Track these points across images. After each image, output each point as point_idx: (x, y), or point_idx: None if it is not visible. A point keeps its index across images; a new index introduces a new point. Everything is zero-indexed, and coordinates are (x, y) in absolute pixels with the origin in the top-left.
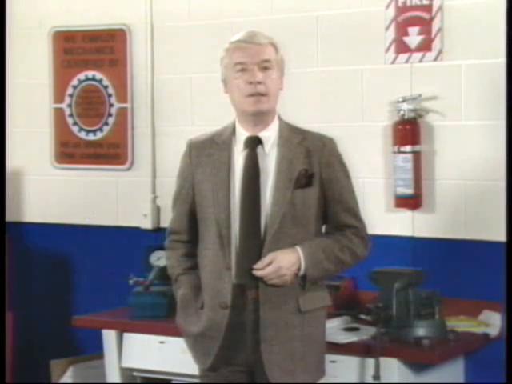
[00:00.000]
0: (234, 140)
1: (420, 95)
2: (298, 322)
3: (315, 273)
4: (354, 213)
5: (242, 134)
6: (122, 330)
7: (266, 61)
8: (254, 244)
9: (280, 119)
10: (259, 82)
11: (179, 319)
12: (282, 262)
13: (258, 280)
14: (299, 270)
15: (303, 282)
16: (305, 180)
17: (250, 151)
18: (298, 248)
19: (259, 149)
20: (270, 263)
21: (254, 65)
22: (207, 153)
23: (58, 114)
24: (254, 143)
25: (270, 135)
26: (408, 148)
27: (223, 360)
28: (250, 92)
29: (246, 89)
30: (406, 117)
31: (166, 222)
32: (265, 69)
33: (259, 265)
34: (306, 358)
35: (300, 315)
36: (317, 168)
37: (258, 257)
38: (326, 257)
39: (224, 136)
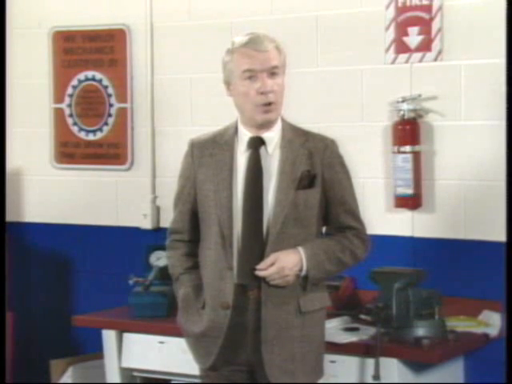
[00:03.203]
0: (236, 140)
1: (420, 95)
2: (299, 322)
3: (317, 274)
4: (355, 214)
5: (245, 135)
6: (121, 329)
7: (275, 67)
8: (256, 244)
9: (283, 120)
10: (270, 91)
11: (180, 319)
12: (285, 263)
13: (260, 280)
14: (301, 270)
15: (304, 282)
16: (307, 181)
17: (252, 152)
18: (300, 249)
19: (262, 149)
20: (272, 263)
21: (262, 72)
22: (209, 153)
23: (58, 114)
24: (256, 144)
25: (273, 136)
26: (408, 148)
27: (224, 360)
28: (261, 102)
29: (257, 98)
30: (405, 117)
31: (165, 222)
32: (273, 75)
33: (262, 265)
34: (306, 358)
35: (300, 316)
36: (319, 169)
37: (260, 257)
38: (328, 258)
39: (226, 136)
